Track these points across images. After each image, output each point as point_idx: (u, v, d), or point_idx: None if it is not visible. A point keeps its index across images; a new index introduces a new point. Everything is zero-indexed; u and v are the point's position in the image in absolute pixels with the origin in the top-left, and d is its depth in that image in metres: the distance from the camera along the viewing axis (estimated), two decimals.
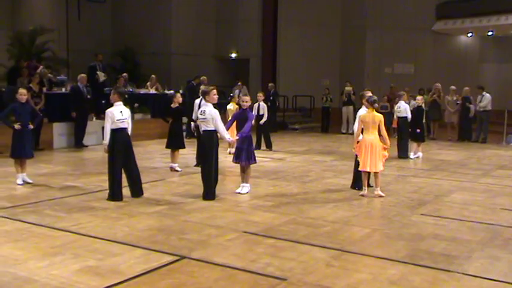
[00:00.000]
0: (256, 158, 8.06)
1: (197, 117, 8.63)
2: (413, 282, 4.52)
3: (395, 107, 12.89)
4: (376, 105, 8.00)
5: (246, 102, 7.92)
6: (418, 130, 12.44)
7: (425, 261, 5.03)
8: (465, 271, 4.80)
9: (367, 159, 7.81)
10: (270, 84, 18.54)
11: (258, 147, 13.31)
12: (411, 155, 12.38)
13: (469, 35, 22.54)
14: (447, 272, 4.78)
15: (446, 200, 7.85)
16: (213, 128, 7.41)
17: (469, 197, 8.08)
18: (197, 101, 10.62)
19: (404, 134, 12.41)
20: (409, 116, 12.30)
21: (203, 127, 7.50)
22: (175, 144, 9.97)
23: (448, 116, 17.15)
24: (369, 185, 8.10)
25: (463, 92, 16.87)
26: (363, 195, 7.88)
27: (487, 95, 16.28)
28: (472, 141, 16.29)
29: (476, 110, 16.43)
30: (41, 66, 15.12)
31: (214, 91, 7.69)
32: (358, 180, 8.24)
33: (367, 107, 7.96)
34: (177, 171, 9.90)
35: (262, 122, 13.30)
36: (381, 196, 7.83)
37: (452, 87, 17.20)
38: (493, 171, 10.80)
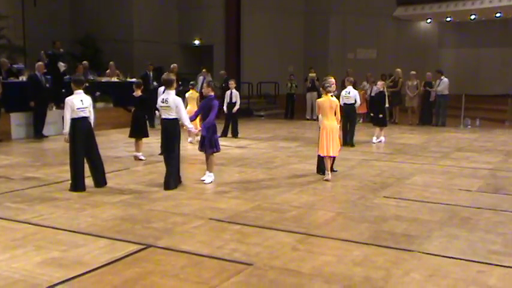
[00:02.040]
0: (220, 146, 8.02)
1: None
2: (376, 262, 4.64)
3: (343, 92, 11.88)
4: (329, 89, 8.05)
5: (204, 89, 7.95)
6: (381, 115, 12.67)
7: (388, 242, 5.17)
8: (425, 250, 4.96)
9: (329, 144, 7.93)
10: (221, 72, 18.38)
11: (225, 135, 13.33)
12: (374, 139, 12.61)
13: (428, 21, 23.03)
14: (408, 251, 4.93)
15: (408, 183, 8.06)
16: (175, 116, 7.35)
17: (429, 179, 8.32)
18: (161, 89, 10.54)
19: (352, 121, 11.99)
20: (358, 102, 12.00)
21: (165, 115, 7.42)
22: (138, 133, 9.85)
23: (409, 101, 17.53)
24: (332, 170, 8.23)
25: (425, 77, 17.26)
26: (327, 180, 8.00)
27: (445, 79, 16.71)
28: (432, 125, 16.74)
29: (437, 94, 16.85)
30: None
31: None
32: (323, 165, 8.36)
33: (323, 93, 8.10)
34: (141, 159, 9.79)
35: (235, 109, 13.34)
36: (327, 180, 7.96)
37: (412, 72, 17.57)
38: (452, 153, 11.14)
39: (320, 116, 8.19)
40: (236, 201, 6.75)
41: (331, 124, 7.98)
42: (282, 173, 8.80)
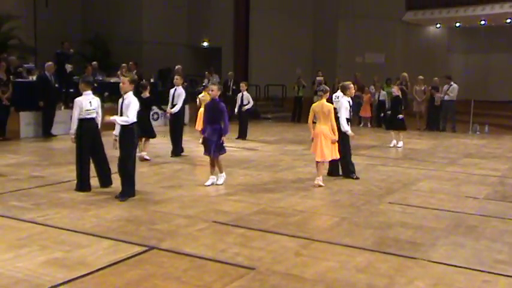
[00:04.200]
0: (226, 148, 8.00)
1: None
2: (379, 269, 4.61)
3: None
4: (321, 93, 8.05)
5: (212, 91, 7.71)
6: (401, 116, 12.64)
7: (392, 249, 5.13)
8: (430, 258, 4.91)
9: (322, 149, 7.89)
10: (229, 73, 18.42)
11: (241, 137, 13.52)
12: (400, 144, 12.64)
13: (438, 26, 22.94)
14: (413, 259, 4.89)
15: (414, 189, 8.01)
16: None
17: (435, 185, 8.26)
18: (172, 91, 10.69)
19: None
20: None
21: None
22: (145, 133, 9.85)
23: (416, 106, 17.46)
24: (351, 176, 8.25)
25: (432, 82, 17.17)
26: (319, 186, 7.87)
27: (455, 85, 16.61)
28: (440, 131, 16.64)
29: (443, 99, 16.73)
30: (5, 55, 14.73)
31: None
32: (335, 167, 8.53)
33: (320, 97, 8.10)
34: (146, 159, 9.81)
35: (246, 108, 13.55)
36: (320, 186, 7.86)
37: (420, 77, 17.49)
38: (460, 159, 11.06)
39: (309, 121, 8.18)
40: (240, 205, 6.74)
41: (321, 128, 7.92)
42: (288, 176, 8.78)
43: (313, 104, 8.17)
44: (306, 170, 9.28)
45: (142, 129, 9.84)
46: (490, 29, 22.09)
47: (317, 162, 8.04)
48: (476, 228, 5.91)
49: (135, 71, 15.23)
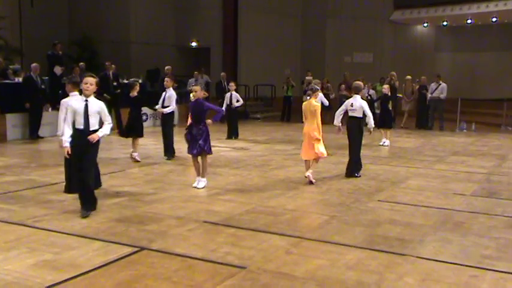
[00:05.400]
0: (214, 148, 7.95)
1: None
2: (369, 266, 4.65)
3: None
4: (310, 92, 8.21)
5: (195, 92, 7.59)
6: (388, 118, 12.89)
7: (381, 246, 5.18)
8: (418, 254, 4.97)
9: (307, 148, 7.99)
10: (221, 74, 18.43)
11: (230, 137, 13.75)
12: (387, 142, 12.79)
13: (425, 25, 23.12)
14: (402, 255, 4.94)
15: (403, 186, 8.08)
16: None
17: (424, 183, 8.34)
18: (163, 94, 10.74)
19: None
20: (326, 104, 11.98)
21: None
22: (133, 131, 9.85)
23: (404, 104, 17.59)
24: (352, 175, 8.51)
25: (421, 81, 17.30)
26: (311, 183, 8.02)
27: (444, 84, 16.76)
28: (427, 129, 16.78)
29: (430, 97, 16.86)
30: None
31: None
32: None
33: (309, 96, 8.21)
34: (137, 161, 9.78)
35: (237, 104, 13.71)
36: (311, 182, 7.96)
37: (408, 76, 17.63)
38: (447, 157, 11.17)
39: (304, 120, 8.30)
40: (231, 204, 6.75)
41: (306, 127, 8.01)
42: (278, 176, 8.81)
43: (303, 103, 8.31)
44: (296, 170, 9.31)
45: (130, 127, 9.86)
46: (476, 28, 22.32)
47: (305, 160, 8.14)
48: (464, 225, 5.98)
49: (111, 71, 15.13)
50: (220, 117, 7.75)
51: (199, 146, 7.55)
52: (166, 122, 10.50)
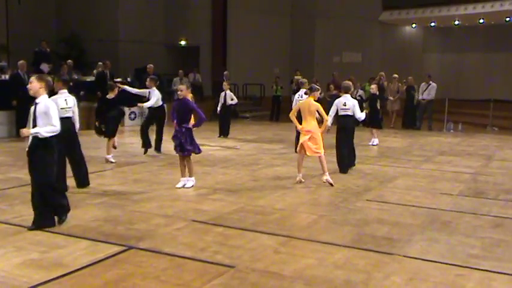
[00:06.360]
0: (202, 148, 7.85)
1: None
2: (357, 265, 4.67)
3: (296, 96, 11.09)
4: (308, 92, 8.24)
5: (181, 91, 7.51)
6: (378, 118, 13.05)
7: (369, 245, 5.21)
8: (406, 253, 5.00)
9: (306, 145, 7.98)
10: (225, 72, 18.58)
11: (221, 135, 13.91)
12: (374, 142, 12.92)
13: (413, 25, 23.28)
14: (389, 254, 4.97)
15: (390, 186, 8.13)
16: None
17: (411, 183, 8.41)
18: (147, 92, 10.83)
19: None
20: None
21: None
22: (103, 134, 9.67)
23: (390, 104, 17.71)
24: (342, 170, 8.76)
25: (408, 81, 17.41)
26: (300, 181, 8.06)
27: (434, 84, 16.89)
28: (415, 129, 16.90)
29: (420, 98, 16.97)
30: None
31: None
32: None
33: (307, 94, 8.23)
34: (111, 162, 9.63)
35: (231, 102, 13.96)
36: (330, 184, 7.97)
37: (395, 75, 17.72)
38: (434, 157, 11.27)
39: (291, 113, 8.32)
40: (219, 203, 6.75)
41: (306, 126, 8.00)
42: (266, 175, 8.82)
43: (300, 101, 8.38)
44: (285, 169, 9.33)
45: (101, 129, 9.75)
46: (464, 29, 22.52)
47: (298, 161, 8.21)
48: (451, 224, 6.04)
49: (107, 70, 15.07)
50: (201, 123, 7.63)
51: (187, 150, 7.47)
52: (154, 118, 10.74)
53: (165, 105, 11.15)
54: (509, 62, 22.27)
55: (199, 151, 7.71)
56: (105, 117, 9.65)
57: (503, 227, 5.98)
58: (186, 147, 7.46)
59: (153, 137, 10.88)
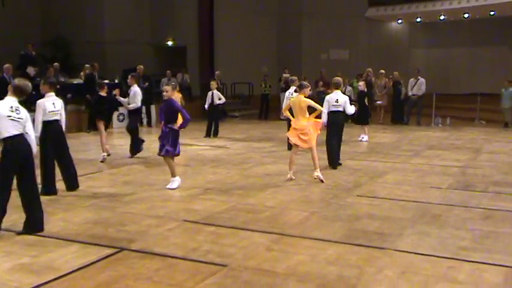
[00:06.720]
0: (180, 149, 7.62)
1: None
2: (349, 260, 4.69)
3: (287, 93, 11.14)
4: (298, 89, 8.32)
5: (166, 92, 7.43)
6: (366, 114, 13.14)
7: (361, 240, 5.23)
8: (397, 247, 5.04)
9: (297, 138, 8.02)
10: (216, 72, 18.51)
11: (209, 135, 13.78)
12: (365, 138, 12.97)
13: (399, 21, 23.41)
14: (381, 249, 5.00)
15: (380, 181, 8.17)
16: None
17: (401, 177, 8.46)
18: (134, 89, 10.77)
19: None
20: None
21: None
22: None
23: (376, 98, 17.76)
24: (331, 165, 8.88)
25: (393, 77, 17.50)
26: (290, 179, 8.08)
27: (422, 79, 16.99)
28: (403, 124, 16.99)
29: (411, 93, 17.03)
30: None
31: None
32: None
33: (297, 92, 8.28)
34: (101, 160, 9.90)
35: (218, 102, 13.79)
36: (321, 180, 8.01)
37: (381, 71, 17.82)
38: (423, 152, 11.35)
39: (282, 112, 8.42)
40: (210, 203, 6.74)
41: (297, 123, 8.01)
42: (257, 173, 8.82)
43: (291, 98, 8.45)
44: (275, 167, 9.34)
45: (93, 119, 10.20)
46: (449, 24, 22.70)
47: (290, 158, 8.24)
48: (441, 217, 6.09)
49: (96, 72, 14.99)
50: (187, 124, 7.58)
51: (166, 151, 7.40)
52: (131, 120, 10.85)
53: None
54: (495, 55, 22.50)
55: (178, 153, 7.55)
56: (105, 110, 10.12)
57: (493, 218, 6.04)
58: (165, 147, 7.40)
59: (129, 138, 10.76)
